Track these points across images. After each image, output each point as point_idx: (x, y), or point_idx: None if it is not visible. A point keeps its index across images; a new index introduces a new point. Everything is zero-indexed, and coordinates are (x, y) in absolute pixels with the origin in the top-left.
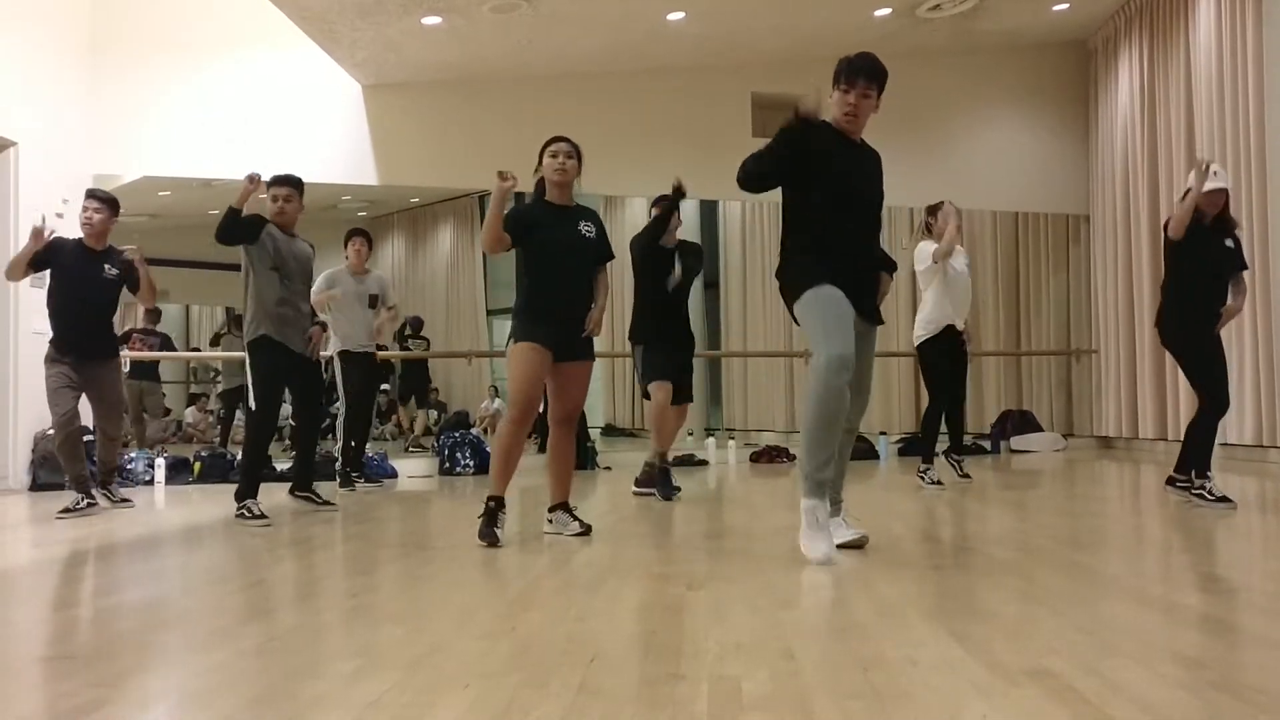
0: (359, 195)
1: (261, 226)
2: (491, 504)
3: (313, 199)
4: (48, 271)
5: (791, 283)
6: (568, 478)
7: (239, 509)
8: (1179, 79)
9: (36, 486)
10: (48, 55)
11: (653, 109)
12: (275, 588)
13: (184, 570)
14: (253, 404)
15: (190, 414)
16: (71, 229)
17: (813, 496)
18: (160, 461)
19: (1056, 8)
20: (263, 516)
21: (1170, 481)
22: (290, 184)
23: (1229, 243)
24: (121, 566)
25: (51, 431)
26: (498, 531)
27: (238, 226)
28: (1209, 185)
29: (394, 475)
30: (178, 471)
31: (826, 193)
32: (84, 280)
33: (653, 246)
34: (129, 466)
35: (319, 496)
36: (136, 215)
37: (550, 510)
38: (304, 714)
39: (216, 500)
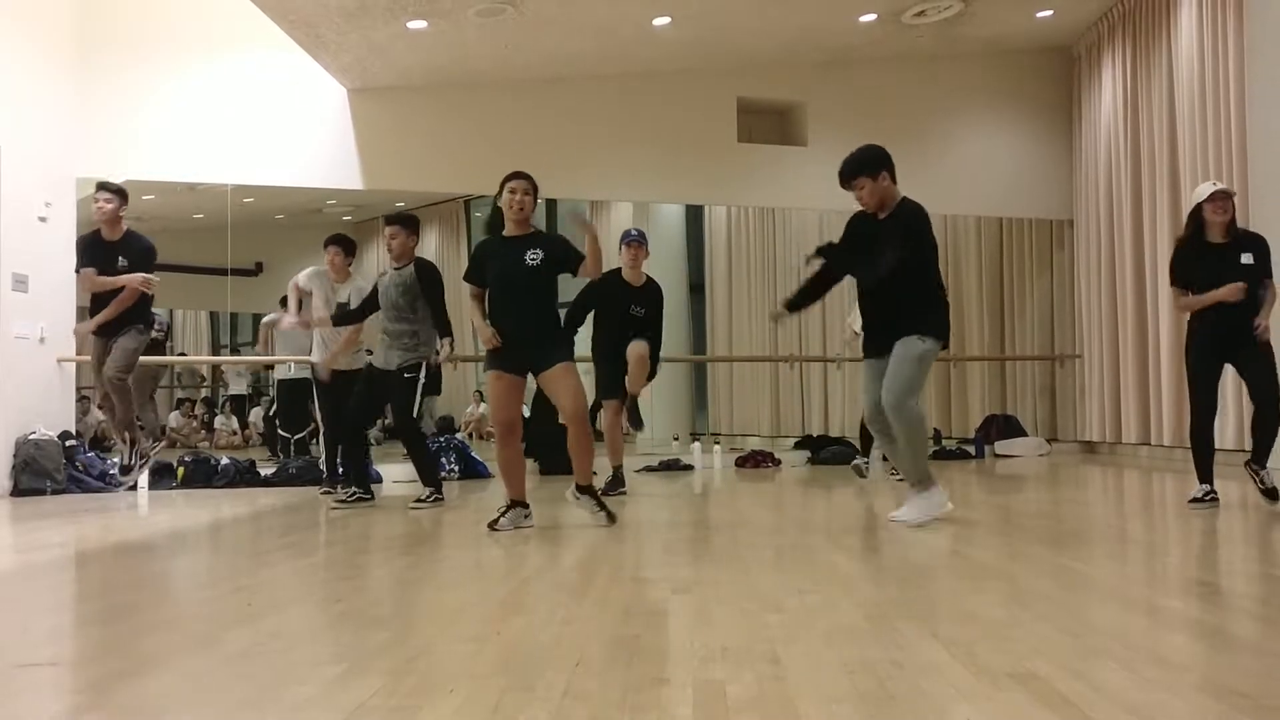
0: (344, 200)
1: (375, 295)
2: (506, 504)
3: (297, 203)
4: (28, 277)
5: None
6: (582, 465)
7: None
8: (1161, 85)
9: (17, 492)
10: (31, 57)
11: (638, 113)
12: (260, 592)
13: (168, 575)
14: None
15: (174, 418)
16: (53, 232)
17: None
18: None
19: (1040, 14)
20: (348, 501)
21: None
22: (398, 223)
23: (1246, 258)
24: (104, 572)
25: (33, 436)
26: (503, 520)
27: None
28: (1205, 192)
29: (378, 480)
30: (161, 476)
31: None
32: (102, 272)
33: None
34: (111, 471)
35: (423, 495)
36: None
37: (578, 490)
38: (290, 718)
39: (200, 505)
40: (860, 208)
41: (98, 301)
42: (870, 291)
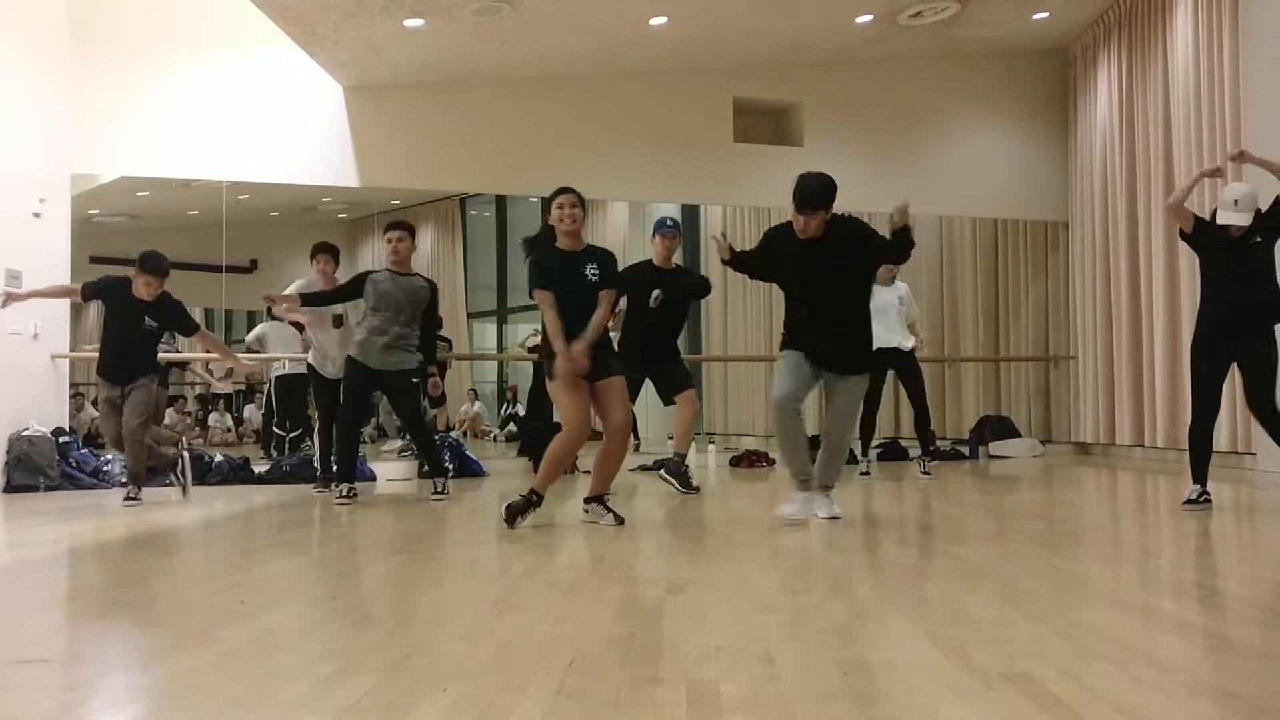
0: (339, 197)
1: (357, 286)
2: (533, 497)
3: (293, 200)
4: (21, 273)
5: (781, 346)
6: (608, 477)
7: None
8: (1157, 88)
9: (11, 488)
10: (26, 53)
11: (635, 112)
12: (254, 589)
13: (162, 572)
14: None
15: (169, 415)
16: (47, 229)
17: (797, 491)
18: None
19: (1037, 16)
20: (346, 497)
21: None
22: (402, 227)
23: (1258, 238)
24: (97, 568)
25: (26, 432)
26: (519, 519)
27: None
28: (1225, 219)
29: (372, 478)
30: (155, 473)
31: (792, 285)
32: (129, 326)
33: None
34: (106, 468)
35: (437, 487)
36: (115, 215)
37: (586, 501)
38: (283, 716)
39: (194, 502)
40: (777, 226)
41: (106, 350)
42: (834, 304)
